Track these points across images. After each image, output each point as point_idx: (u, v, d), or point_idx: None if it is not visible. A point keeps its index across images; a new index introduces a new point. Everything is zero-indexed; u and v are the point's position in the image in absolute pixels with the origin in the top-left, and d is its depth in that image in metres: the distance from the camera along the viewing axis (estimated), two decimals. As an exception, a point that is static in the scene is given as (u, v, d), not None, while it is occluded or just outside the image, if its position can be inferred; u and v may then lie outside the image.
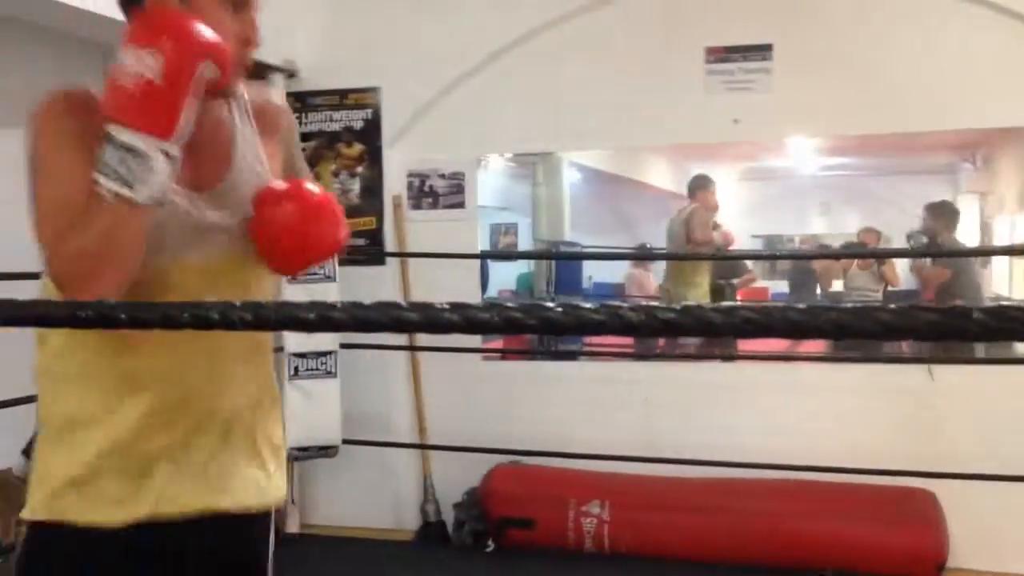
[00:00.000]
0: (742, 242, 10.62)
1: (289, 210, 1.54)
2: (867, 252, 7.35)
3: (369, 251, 4.81)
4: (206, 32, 1.36)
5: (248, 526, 1.61)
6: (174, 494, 1.49)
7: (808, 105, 4.35)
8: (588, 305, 0.64)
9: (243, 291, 1.56)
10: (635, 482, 4.35)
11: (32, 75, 4.46)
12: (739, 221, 10.73)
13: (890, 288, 6.92)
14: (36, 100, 1.46)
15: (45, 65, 4.55)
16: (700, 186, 6.07)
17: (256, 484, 1.59)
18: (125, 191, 1.33)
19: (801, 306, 0.60)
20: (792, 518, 4.07)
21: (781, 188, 12.37)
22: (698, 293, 5.83)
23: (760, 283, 9.49)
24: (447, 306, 0.66)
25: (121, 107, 1.33)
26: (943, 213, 5.62)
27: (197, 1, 1.44)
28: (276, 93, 4.69)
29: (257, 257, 1.55)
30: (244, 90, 1.60)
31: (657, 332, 0.63)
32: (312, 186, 1.60)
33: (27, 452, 4.43)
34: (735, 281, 6.67)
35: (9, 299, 0.71)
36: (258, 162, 1.58)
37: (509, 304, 0.66)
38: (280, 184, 1.58)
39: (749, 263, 5.75)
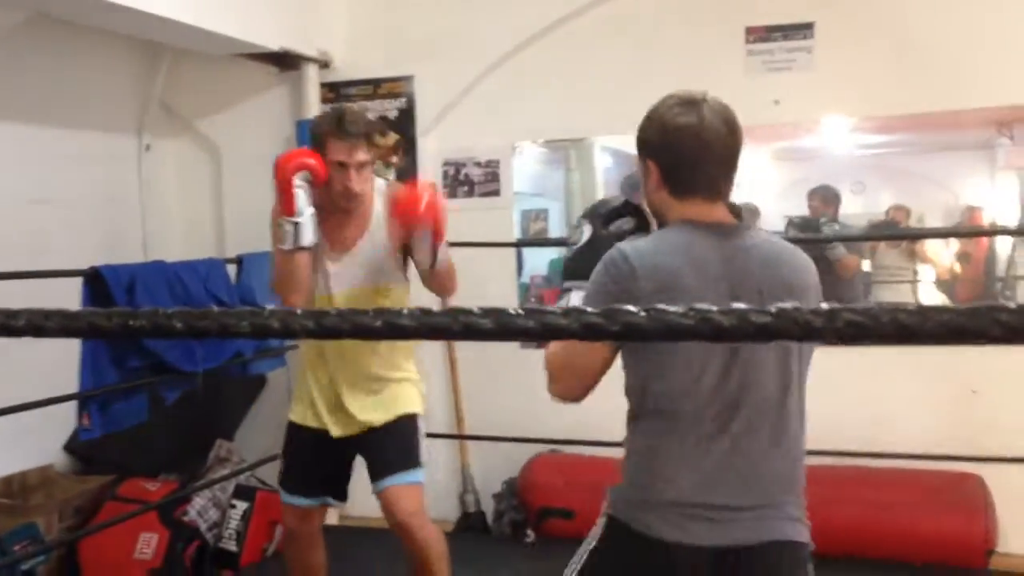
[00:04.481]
0: (775, 224, 10.50)
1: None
2: (872, 235, 7.14)
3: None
4: (299, 157, 2.66)
5: None
6: None
7: (850, 84, 4.25)
8: (675, 309, 0.60)
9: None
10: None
11: (84, 74, 4.48)
12: (774, 203, 10.60)
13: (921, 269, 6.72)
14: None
15: (99, 63, 4.56)
16: None
17: None
18: (281, 246, 2.70)
19: (911, 307, 0.56)
20: (838, 504, 4.00)
21: (815, 168, 12.20)
22: None
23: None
24: (522, 312, 0.62)
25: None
26: (828, 198, 5.78)
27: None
28: (310, 84, 4.69)
29: (382, 287, 2.87)
30: (390, 188, 2.88)
31: (750, 337, 0.59)
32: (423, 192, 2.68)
33: (69, 448, 4.45)
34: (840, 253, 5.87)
35: (60, 309, 0.68)
36: (382, 234, 2.83)
37: (588, 309, 0.62)
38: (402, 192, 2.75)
39: (841, 247, 5.63)
